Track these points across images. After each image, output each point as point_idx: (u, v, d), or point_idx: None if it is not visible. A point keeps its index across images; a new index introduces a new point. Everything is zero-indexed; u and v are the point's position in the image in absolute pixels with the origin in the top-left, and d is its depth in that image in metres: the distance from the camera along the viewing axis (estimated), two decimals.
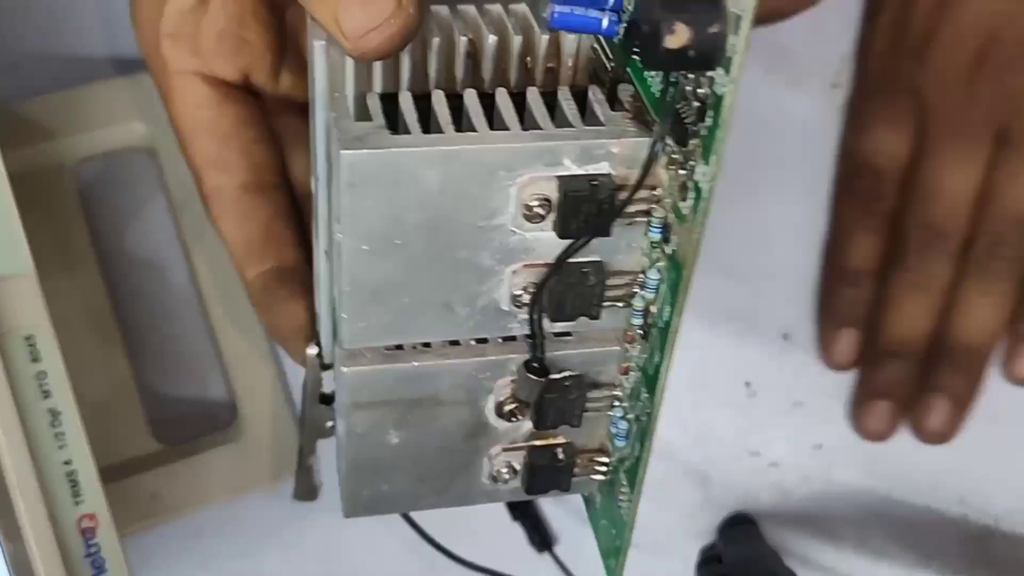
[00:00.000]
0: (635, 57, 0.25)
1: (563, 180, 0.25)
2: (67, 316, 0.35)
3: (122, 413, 0.43)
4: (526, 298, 0.26)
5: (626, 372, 0.28)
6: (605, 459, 0.30)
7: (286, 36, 0.36)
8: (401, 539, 0.45)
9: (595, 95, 0.26)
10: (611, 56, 0.27)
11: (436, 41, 0.26)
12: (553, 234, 0.25)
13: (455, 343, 0.28)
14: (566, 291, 0.26)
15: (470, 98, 0.25)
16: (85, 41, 0.45)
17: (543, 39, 0.26)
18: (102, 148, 0.44)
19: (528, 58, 0.26)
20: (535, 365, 0.27)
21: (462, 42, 0.26)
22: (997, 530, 0.42)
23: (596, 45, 0.27)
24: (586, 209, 0.25)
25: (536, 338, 0.27)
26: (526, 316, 0.27)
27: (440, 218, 0.25)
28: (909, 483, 0.42)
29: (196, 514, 0.44)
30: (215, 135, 0.35)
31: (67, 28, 0.45)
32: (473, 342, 0.28)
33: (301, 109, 0.34)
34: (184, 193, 0.45)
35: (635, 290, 0.27)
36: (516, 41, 0.26)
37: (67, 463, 0.33)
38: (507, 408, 0.28)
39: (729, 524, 0.43)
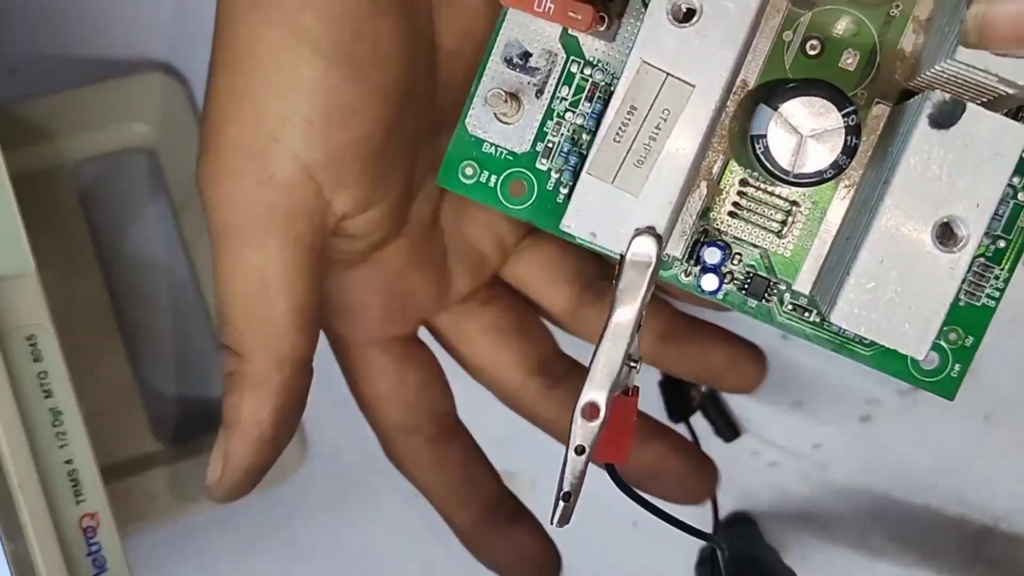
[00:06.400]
0: None
1: None
2: (68, 316, 0.35)
3: (123, 412, 0.44)
4: None
5: None
6: None
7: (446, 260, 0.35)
8: (401, 538, 0.46)
9: None
10: None
11: None
12: None
13: None
14: None
15: None
16: (85, 42, 0.45)
17: None
18: (103, 149, 0.44)
19: None
20: None
21: None
22: (996, 529, 0.42)
23: None
24: None
25: None
26: None
27: None
28: (908, 482, 0.42)
29: (197, 513, 0.44)
30: (401, 403, 0.35)
31: (68, 29, 0.45)
32: None
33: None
34: (184, 194, 0.45)
35: None
36: None
37: (68, 462, 0.33)
38: None
39: (728, 523, 0.43)
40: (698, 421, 0.43)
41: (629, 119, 0.27)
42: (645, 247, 0.27)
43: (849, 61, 0.31)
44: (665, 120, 0.27)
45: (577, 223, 0.28)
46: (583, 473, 0.27)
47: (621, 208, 0.27)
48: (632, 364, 0.28)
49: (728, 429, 0.43)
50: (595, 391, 0.27)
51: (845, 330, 0.32)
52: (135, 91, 0.44)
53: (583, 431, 0.26)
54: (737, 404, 0.43)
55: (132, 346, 0.44)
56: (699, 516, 0.43)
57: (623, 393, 0.28)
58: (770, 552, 0.42)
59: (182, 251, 0.45)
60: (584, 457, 0.27)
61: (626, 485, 0.29)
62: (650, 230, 0.27)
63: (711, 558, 0.42)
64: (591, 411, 0.27)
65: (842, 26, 0.31)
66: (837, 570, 0.43)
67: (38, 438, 0.32)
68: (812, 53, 0.31)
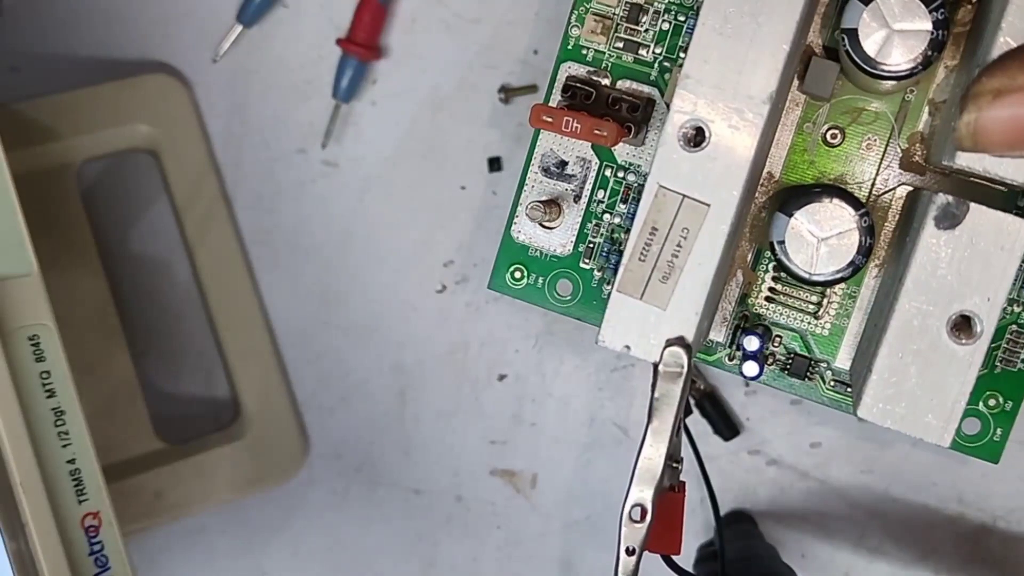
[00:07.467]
0: None
1: None
2: (71, 316, 0.35)
3: (126, 412, 0.44)
4: None
5: None
6: None
7: None
8: (401, 538, 0.46)
9: None
10: None
11: None
12: None
13: None
14: None
15: None
16: (88, 43, 0.45)
17: None
18: (105, 149, 0.44)
19: None
20: None
21: None
22: (994, 528, 0.42)
23: None
24: None
25: None
26: None
27: None
28: (906, 481, 0.42)
29: (199, 513, 0.44)
30: None
31: (71, 30, 0.45)
32: None
33: None
34: (187, 194, 0.45)
35: None
36: None
37: (71, 461, 0.33)
38: None
39: (728, 521, 0.43)
40: (697, 420, 0.43)
41: (652, 239, 0.29)
42: (676, 357, 0.28)
43: (870, 147, 0.32)
44: (685, 238, 0.29)
45: (611, 337, 0.29)
46: (635, 573, 0.28)
47: (651, 321, 0.29)
48: (674, 464, 0.29)
49: (727, 427, 0.43)
50: (640, 493, 0.28)
51: None
52: (137, 92, 0.44)
53: (632, 533, 0.28)
54: (736, 403, 0.43)
55: (134, 345, 0.44)
56: (699, 516, 0.43)
57: (669, 489, 0.29)
58: (769, 550, 0.42)
59: (184, 250, 0.45)
60: (634, 558, 0.28)
61: (685, 572, 0.31)
62: (680, 340, 0.29)
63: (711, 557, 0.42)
64: (638, 513, 0.28)
65: (860, 114, 0.32)
66: (836, 568, 0.43)
67: (41, 438, 0.33)
68: (833, 142, 0.32)
